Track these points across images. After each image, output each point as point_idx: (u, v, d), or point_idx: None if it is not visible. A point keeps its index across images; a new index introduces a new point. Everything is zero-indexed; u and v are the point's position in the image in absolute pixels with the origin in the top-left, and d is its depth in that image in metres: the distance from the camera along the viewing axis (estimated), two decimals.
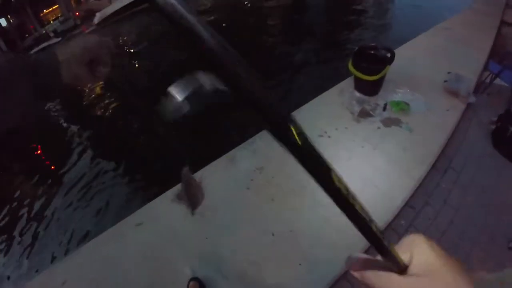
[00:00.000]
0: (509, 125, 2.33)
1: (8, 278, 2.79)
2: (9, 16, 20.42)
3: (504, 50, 3.34)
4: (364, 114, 2.53)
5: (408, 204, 2.05)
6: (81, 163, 3.97)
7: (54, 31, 20.25)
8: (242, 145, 2.49)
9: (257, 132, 2.54)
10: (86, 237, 2.87)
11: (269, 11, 9.17)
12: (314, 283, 1.64)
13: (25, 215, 3.46)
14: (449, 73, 2.84)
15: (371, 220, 0.37)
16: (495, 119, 2.50)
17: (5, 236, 3.27)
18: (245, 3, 10.93)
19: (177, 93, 0.33)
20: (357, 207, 0.36)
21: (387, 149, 2.30)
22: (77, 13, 21.48)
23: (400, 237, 2.02)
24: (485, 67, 3.04)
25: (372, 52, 2.63)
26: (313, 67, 5.01)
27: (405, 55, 3.06)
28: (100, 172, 3.68)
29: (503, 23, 3.95)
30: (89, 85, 6.11)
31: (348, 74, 2.79)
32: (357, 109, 2.53)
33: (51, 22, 22.00)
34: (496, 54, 3.30)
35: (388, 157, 2.24)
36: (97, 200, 3.33)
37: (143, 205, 2.17)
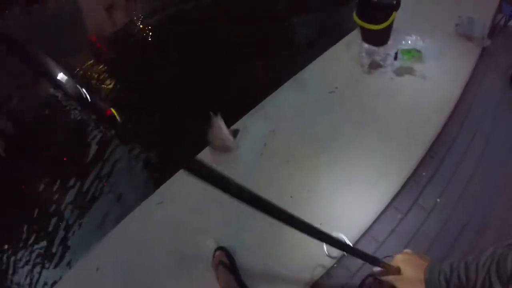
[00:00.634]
0: None
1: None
2: None
3: None
4: (374, 66, 2.36)
5: (429, 154, 1.95)
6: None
7: None
8: (251, 111, 2.33)
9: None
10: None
11: None
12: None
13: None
14: (459, 16, 2.64)
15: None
16: None
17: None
18: None
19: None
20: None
21: (402, 99, 2.15)
22: None
23: (422, 189, 1.94)
24: (498, 10, 2.84)
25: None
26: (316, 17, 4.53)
27: (412, 1, 2.83)
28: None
29: None
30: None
31: (354, 26, 2.58)
32: (366, 61, 2.35)
33: None
34: None
35: (404, 106, 2.10)
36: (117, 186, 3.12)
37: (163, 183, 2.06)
